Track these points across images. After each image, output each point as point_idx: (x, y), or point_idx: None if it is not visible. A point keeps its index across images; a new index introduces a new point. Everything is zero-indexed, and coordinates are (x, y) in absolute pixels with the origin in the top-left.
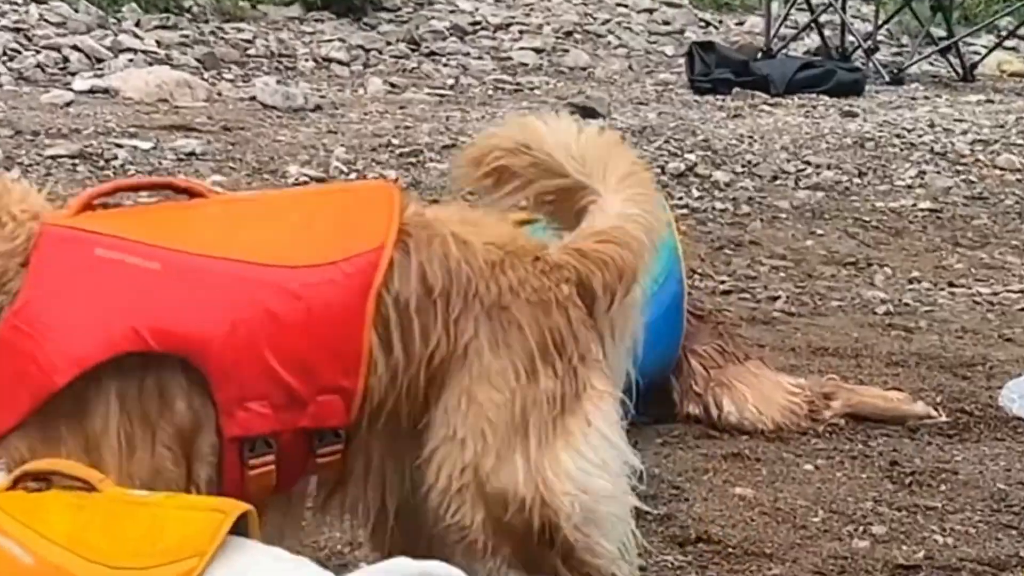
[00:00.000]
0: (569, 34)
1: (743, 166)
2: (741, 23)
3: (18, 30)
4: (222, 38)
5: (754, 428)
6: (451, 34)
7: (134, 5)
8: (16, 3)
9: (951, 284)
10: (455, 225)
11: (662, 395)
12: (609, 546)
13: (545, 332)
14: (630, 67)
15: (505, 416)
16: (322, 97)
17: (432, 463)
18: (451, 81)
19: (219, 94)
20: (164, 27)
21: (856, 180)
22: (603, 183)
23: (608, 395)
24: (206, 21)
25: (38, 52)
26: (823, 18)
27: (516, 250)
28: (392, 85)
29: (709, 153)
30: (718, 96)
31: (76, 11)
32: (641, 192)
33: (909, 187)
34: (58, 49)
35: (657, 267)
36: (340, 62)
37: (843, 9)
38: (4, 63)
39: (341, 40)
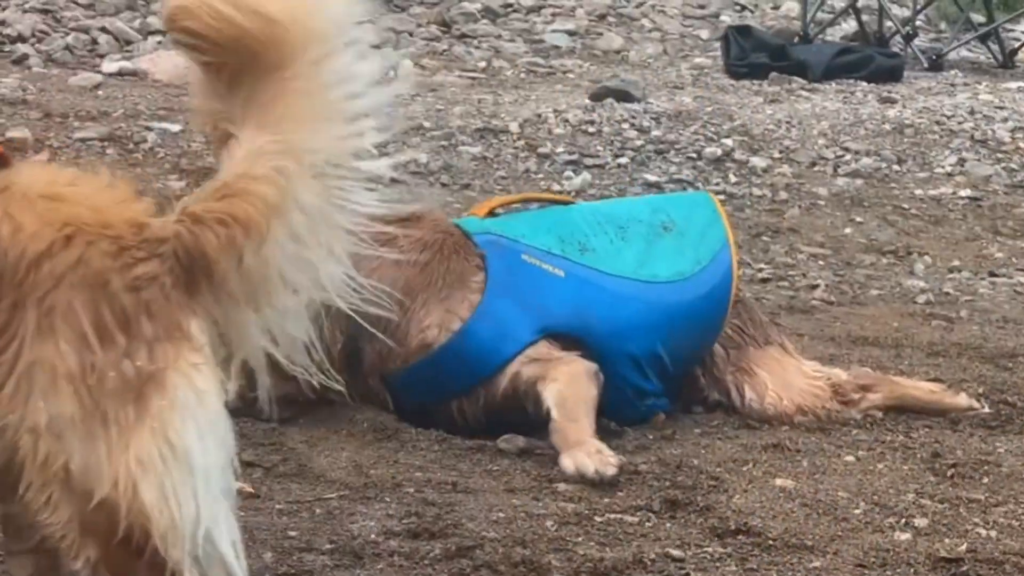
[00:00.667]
0: (603, 17)
1: (781, 152)
2: (777, 7)
3: (47, 12)
4: None
5: (777, 414)
6: (483, 16)
7: None
8: None
9: (992, 273)
10: (20, 202)
11: (690, 380)
12: (206, 550)
13: (104, 314)
14: (665, 51)
15: (73, 407)
16: None
17: (20, 461)
18: (483, 64)
19: None
20: None
21: (895, 167)
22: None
23: (200, 369)
24: None
25: (67, 34)
26: (861, 3)
27: (94, 226)
28: (423, 67)
29: (746, 139)
30: (754, 81)
31: None
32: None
33: (949, 175)
34: (87, 31)
35: (703, 249)
36: (371, 45)
37: None
38: (33, 45)
39: (371, 22)
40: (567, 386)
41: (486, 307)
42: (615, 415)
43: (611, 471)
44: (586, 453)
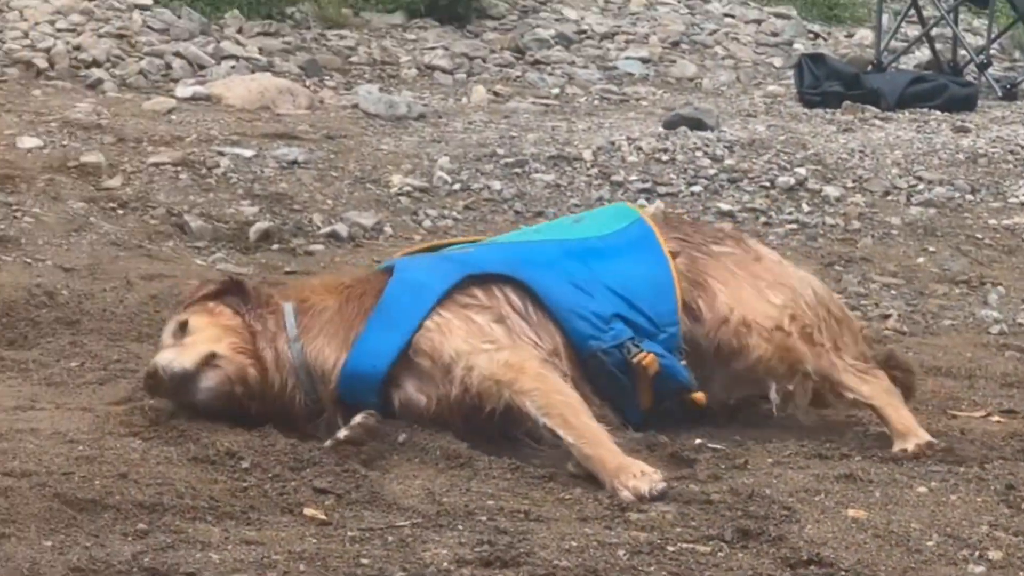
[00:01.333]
0: (676, 44)
1: (854, 181)
2: (851, 35)
3: (121, 36)
4: (324, 45)
5: (728, 337)
6: (556, 43)
7: (236, 12)
8: (119, 9)
9: None
10: None
11: None
12: None
13: None
14: (738, 79)
15: None
16: (425, 105)
17: None
18: (556, 90)
19: (321, 102)
20: (266, 34)
21: (969, 197)
22: None
23: None
24: (308, 28)
25: (141, 59)
26: (934, 32)
27: None
28: (496, 94)
29: (819, 167)
30: (828, 110)
31: (179, 18)
32: None
33: (1023, 204)
34: (161, 56)
35: (618, 220)
36: (443, 70)
37: (955, 23)
38: (108, 70)
39: (444, 48)
40: (546, 394)
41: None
42: (585, 347)
43: (661, 486)
44: (633, 476)
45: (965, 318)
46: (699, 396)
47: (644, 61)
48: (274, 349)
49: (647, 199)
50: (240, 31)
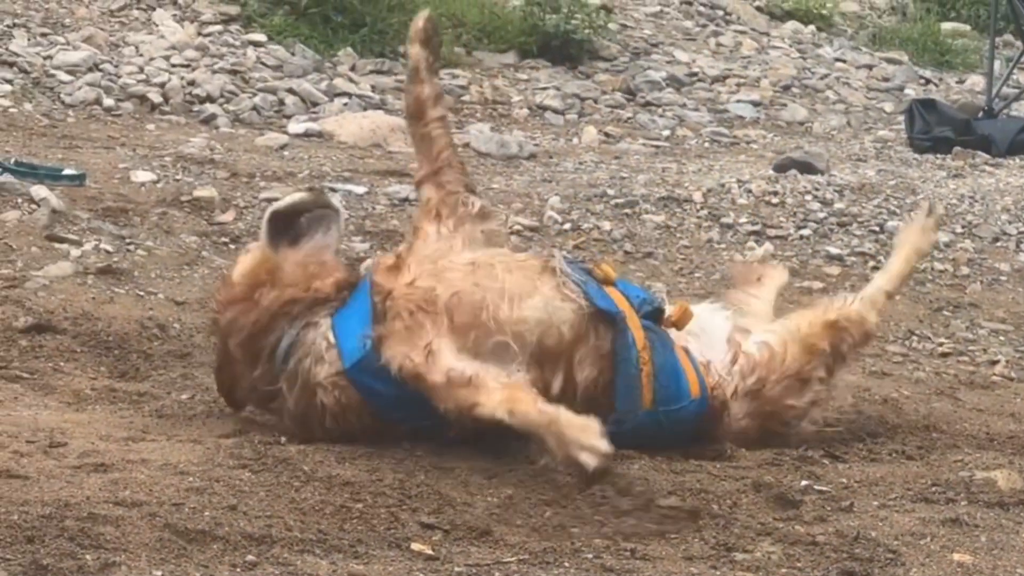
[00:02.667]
0: (787, 88)
1: (963, 227)
2: (962, 81)
3: (235, 73)
4: None
5: None
6: (667, 85)
7: (350, 49)
8: (234, 46)
9: None
10: None
11: None
12: None
13: None
14: (848, 123)
15: None
16: (536, 145)
17: None
18: (667, 132)
19: None
20: (379, 72)
21: None
22: None
23: None
24: None
25: (254, 95)
26: None
27: None
28: (607, 135)
29: None
30: (938, 155)
31: (292, 55)
32: None
33: None
34: (274, 92)
35: None
36: (555, 110)
37: None
38: (222, 105)
39: (556, 88)
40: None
41: None
42: None
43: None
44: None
45: None
46: None
47: (755, 104)
48: None
49: (756, 242)
50: (353, 69)
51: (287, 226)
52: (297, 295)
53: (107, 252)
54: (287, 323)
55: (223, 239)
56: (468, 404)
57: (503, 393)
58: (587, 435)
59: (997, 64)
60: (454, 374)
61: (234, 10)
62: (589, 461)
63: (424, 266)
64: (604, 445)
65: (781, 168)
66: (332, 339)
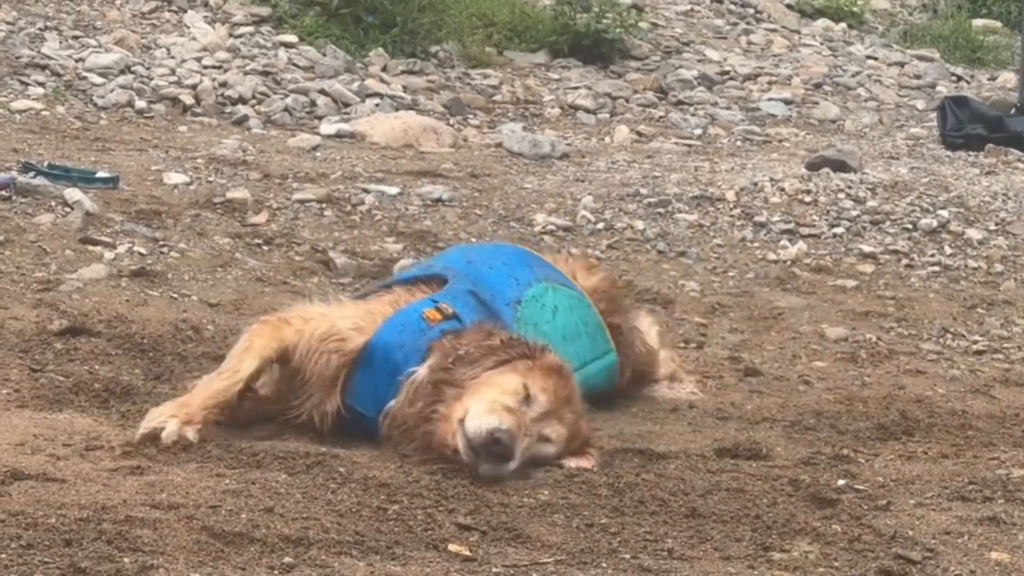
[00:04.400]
0: (819, 86)
1: (996, 224)
2: (993, 78)
3: (267, 74)
4: (468, 84)
5: None
6: (699, 83)
7: (381, 50)
8: (265, 47)
9: None
10: None
11: None
12: None
13: None
14: (880, 121)
15: None
16: (568, 145)
17: None
18: (699, 131)
19: (465, 140)
20: (411, 72)
21: None
22: None
23: None
24: (452, 67)
25: (286, 96)
26: None
27: None
28: (639, 134)
29: (962, 210)
30: (971, 152)
31: (324, 56)
32: None
33: None
34: (306, 93)
35: None
36: (587, 110)
37: None
38: (253, 107)
39: (588, 87)
40: None
41: None
42: None
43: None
44: None
45: None
46: None
47: (787, 102)
48: None
49: (789, 240)
50: (384, 69)
51: None
52: None
53: (140, 254)
54: None
55: (256, 241)
56: None
57: None
58: None
59: None
60: None
61: (265, 11)
62: None
63: None
64: None
65: (814, 166)
66: None
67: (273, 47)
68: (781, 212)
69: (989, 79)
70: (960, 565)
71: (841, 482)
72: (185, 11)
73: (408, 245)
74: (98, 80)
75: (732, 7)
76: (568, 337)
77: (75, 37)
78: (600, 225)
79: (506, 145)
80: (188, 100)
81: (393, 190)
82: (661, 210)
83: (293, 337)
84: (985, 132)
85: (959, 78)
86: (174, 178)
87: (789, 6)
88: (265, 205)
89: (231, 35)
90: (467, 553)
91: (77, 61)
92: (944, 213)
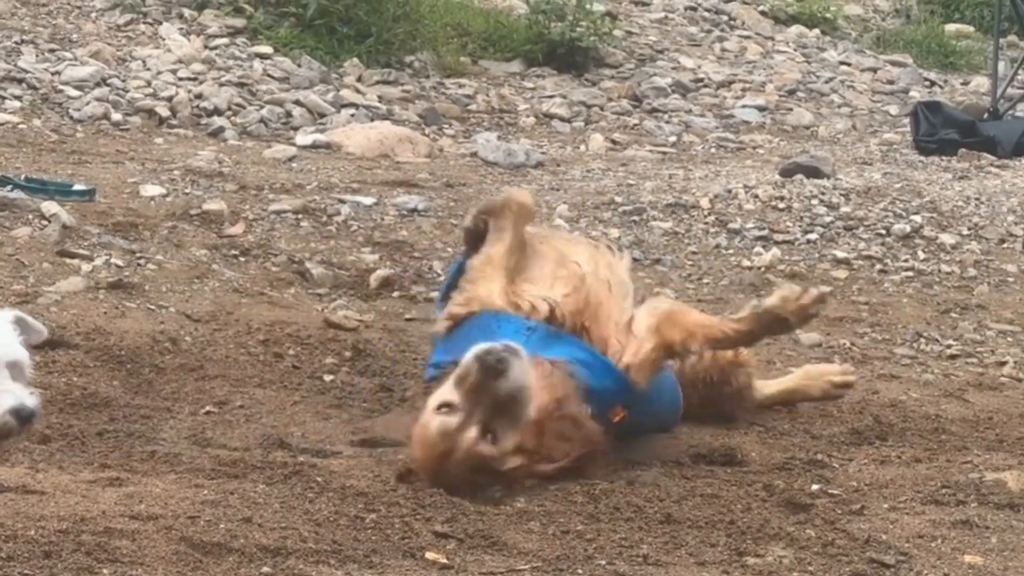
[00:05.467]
0: (792, 92)
1: (970, 228)
2: (966, 83)
3: (242, 85)
4: (443, 93)
5: None
6: (673, 91)
7: (356, 60)
8: (240, 58)
9: None
10: None
11: None
12: None
13: None
14: (854, 126)
15: None
16: (543, 153)
17: None
18: (673, 138)
19: (440, 150)
20: (386, 82)
21: None
22: None
23: None
24: (427, 76)
25: (262, 107)
26: None
27: None
28: (614, 142)
29: (935, 215)
30: (944, 157)
31: (299, 66)
32: None
33: None
34: (281, 104)
35: None
36: (561, 118)
37: None
38: (229, 118)
39: (562, 96)
40: None
41: None
42: None
43: None
44: None
45: None
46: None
47: (760, 109)
48: None
49: (763, 247)
50: (359, 79)
51: None
52: None
53: (118, 267)
54: None
55: (233, 252)
56: None
57: None
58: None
59: (1001, 65)
60: None
61: (240, 23)
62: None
63: None
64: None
65: (787, 173)
66: None
67: (248, 58)
68: (755, 219)
69: (962, 84)
70: (934, 569)
71: (815, 487)
72: (160, 23)
73: (384, 255)
74: (74, 93)
75: (706, 14)
76: None
77: (51, 50)
78: (575, 233)
79: (481, 154)
80: (164, 112)
81: (369, 200)
82: (636, 218)
83: None
84: (958, 137)
85: (932, 83)
86: (151, 190)
87: (763, 13)
88: (241, 216)
89: (206, 47)
90: (444, 561)
91: (53, 74)
92: (917, 218)
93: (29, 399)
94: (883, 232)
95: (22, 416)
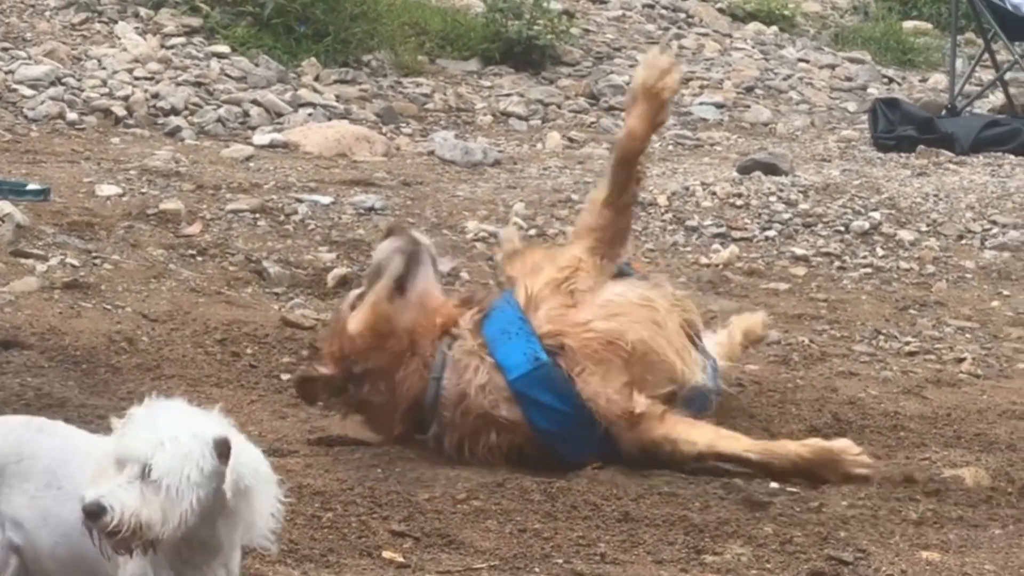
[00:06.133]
0: (750, 89)
1: (928, 225)
2: (924, 80)
3: (199, 85)
4: (401, 92)
5: None
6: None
7: (313, 60)
8: (197, 58)
9: None
10: None
11: None
12: None
13: None
14: (812, 123)
15: None
16: (500, 152)
17: None
18: None
19: (397, 149)
20: (343, 81)
21: None
22: None
23: None
24: (385, 76)
25: (219, 107)
26: (1008, 76)
27: None
28: (571, 140)
29: (894, 212)
30: (902, 154)
31: (256, 66)
32: None
33: None
34: (238, 103)
35: None
36: (518, 116)
37: None
38: (186, 118)
39: (519, 95)
40: None
41: None
42: None
43: None
44: None
45: None
46: None
47: (718, 106)
48: None
49: (721, 244)
50: (317, 79)
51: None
52: (427, 334)
53: (73, 267)
54: (433, 353)
55: (190, 251)
56: (661, 438)
57: (714, 433)
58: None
59: (959, 62)
60: (651, 410)
61: (196, 22)
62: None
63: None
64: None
65: (745, 170)
66: (490, 358)
67: (205, 58)
68: (713, 216)
69: (920, 81)
70: (892, 565)
71: (773, 485)
72: (116, 22)
73: (341, 254)
74: (28, 92)
75: (663, 12)
76: None
77: (4, 49)
78: (532, 231)
79: (438, 153)
80: (120, 112)
81: (326, 199)
82: None
83: None
84: (916, 134)
85: (890, 80)
86: (106, 190)
87: (721, 10)
88: (198, 216)
89: (163, 46)
90: (401, 560)
91: (7, 73)
92: (876, 215)
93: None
94: (842, 229)
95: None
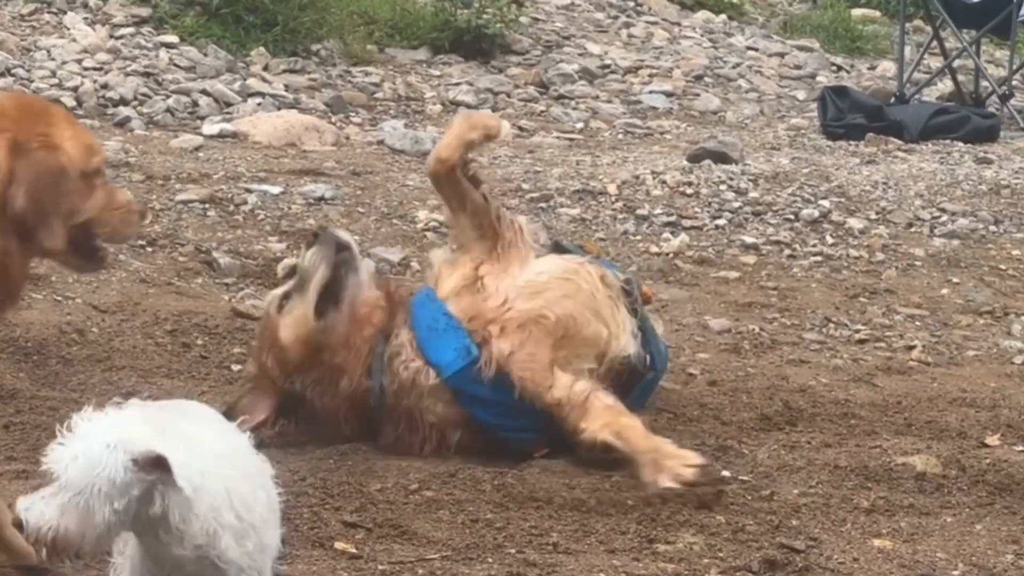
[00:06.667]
0: (699, 78)
1: (877, 213)
2: (873, 68)
3: (148, 75)
4: (350, 82)
5: None
6: (580, 77)
7: (262, 49)
8: (146, 48)
9: None
10: None
11: None
12: None
13: None
14: (761, 112)
15: None
16: None
17: None
18: (580, 125)
19: (347, 138)
20: (292, 71)
21: (992, 228)
22: None
23: None
24: (334, 65)
25: (168, 97)
26: (957, 63)
27: None
28: (521, 129)
29: (843, 200)
30: (851, 142)
31: (205, 56)
32: None
33: None
34: (188, 93)
35: None
36: (468, 105)
37: (977, 54)
38: (135, 108)
39: (469, 83)
40: None
41: None
42: None
43: None
44: None
45: (989, 348)
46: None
47: (668, 95)
48: None
49: (671, 233)
50: (266, 68)
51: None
52: (365, 342)
53: None
54: (371, 359)
55: (140, 242)
56: (574, 427)
57: (607, 417)
58: (682, 463)
59: (907, 50)
60: (573, 394)
61: (145, 12)
62: (675, 486)
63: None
64: (692, 475)
65: (695, 158)
66: (422, 357)
67: (154, 48)
68: (663, 205)
69: (869, 68)
70: (843, 553)
71: (725, 473)
72: (65, 13)
73: (291, 244)
74: None
75: (612, 0)
76: None
77: None
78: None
79: (388, 142)
80: (70, 102)
81: (276, 189)
82: (543, 204)
83: None
84: (865, 121)
85: (839, 68)
86: None
87: None
88: (148, 207)
89: (112, 36)
90: (353, 551)
91: None
92: (825, 203)
93: None
94: (791, 217)
95: None
